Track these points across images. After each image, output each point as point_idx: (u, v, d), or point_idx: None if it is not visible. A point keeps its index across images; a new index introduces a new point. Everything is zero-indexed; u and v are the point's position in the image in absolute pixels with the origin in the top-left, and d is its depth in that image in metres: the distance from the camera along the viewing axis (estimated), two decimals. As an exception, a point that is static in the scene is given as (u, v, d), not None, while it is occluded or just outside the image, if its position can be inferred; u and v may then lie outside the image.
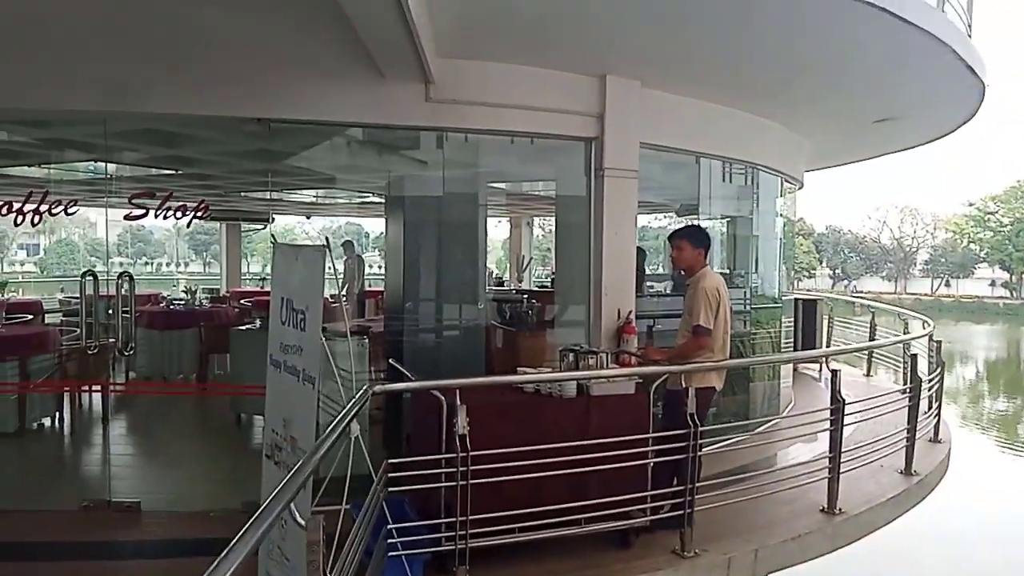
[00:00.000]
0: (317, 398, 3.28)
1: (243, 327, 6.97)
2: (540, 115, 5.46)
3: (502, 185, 9.92)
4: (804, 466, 4.93)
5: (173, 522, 4.88)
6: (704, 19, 4.67)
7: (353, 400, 3.26)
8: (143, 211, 4.96)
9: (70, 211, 4.97)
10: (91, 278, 5.23)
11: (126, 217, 4.97)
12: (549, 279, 11.44)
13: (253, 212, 13.12)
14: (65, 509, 4.98)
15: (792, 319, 9.26)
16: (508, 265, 15.88)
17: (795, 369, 9.11)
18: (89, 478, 5.94)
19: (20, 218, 4.89)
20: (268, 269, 19.24)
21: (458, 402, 3.64)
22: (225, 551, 1.71)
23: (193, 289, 10.77)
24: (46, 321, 9.57)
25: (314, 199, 13.50)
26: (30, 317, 9.02)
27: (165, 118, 5.42)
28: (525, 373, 4.46)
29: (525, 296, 7.66)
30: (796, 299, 9.95)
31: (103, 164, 8.04)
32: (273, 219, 14.27)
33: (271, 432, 3.76)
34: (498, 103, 5.32)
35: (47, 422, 7.06)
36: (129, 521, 4.85)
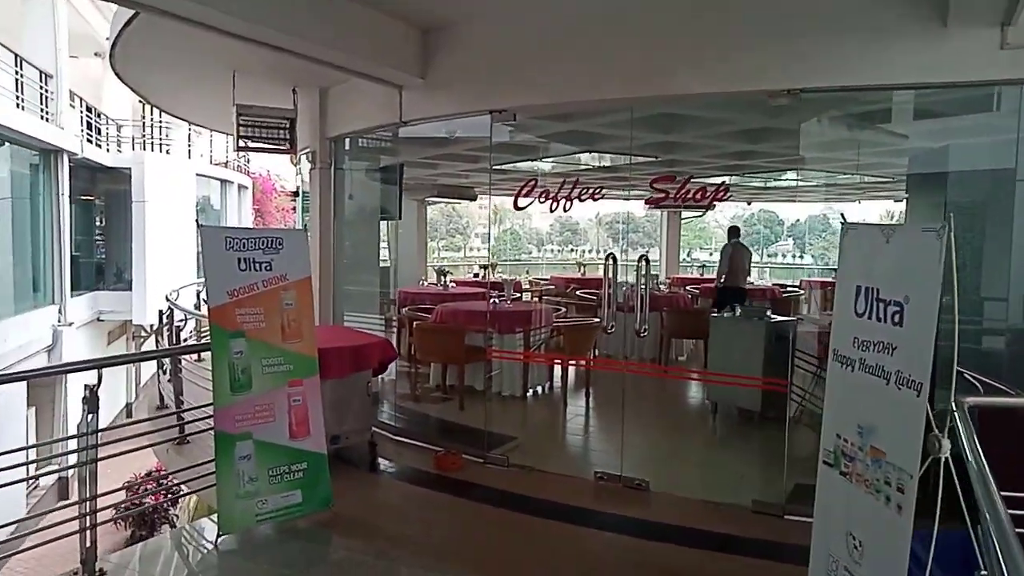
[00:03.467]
0: (925, 408, 2.73)
1: (723, 315, 6.73)
2: None
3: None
4: None
5: (681, 507, 4.80)
6: None
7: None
8: (662, 194, 4.99)
9: (596, 197, 5.27)
10: (611, 261, 5.47)
11: (647, 201, 5.06)
12: None
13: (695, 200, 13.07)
14: (582, 477, 5.32)
15: None
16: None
17: None
18: (600, 451, 6.18)
19: (555, 204, 5.33)
20: (690, 257, 19.20)
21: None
22: None
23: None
24: (523, 299, 10.84)
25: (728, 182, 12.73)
26: (517, 296, 10.28)
27: (686, 100, 5.40)
28: None
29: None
30: None
31: (586, 155, 8.67)
32: (714, 206, 14.08)
33: (835, 438, 3.32)
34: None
35: (539, 390, 7.88)
36: (640, 499, 4.95)
